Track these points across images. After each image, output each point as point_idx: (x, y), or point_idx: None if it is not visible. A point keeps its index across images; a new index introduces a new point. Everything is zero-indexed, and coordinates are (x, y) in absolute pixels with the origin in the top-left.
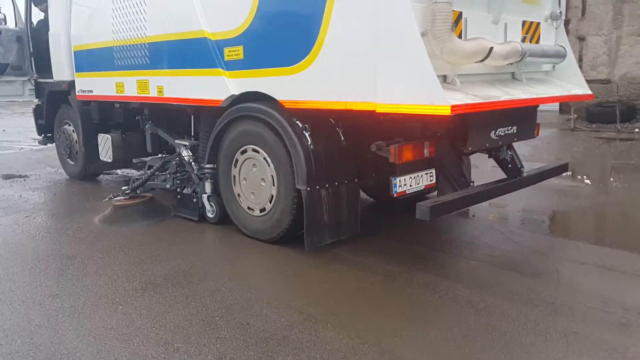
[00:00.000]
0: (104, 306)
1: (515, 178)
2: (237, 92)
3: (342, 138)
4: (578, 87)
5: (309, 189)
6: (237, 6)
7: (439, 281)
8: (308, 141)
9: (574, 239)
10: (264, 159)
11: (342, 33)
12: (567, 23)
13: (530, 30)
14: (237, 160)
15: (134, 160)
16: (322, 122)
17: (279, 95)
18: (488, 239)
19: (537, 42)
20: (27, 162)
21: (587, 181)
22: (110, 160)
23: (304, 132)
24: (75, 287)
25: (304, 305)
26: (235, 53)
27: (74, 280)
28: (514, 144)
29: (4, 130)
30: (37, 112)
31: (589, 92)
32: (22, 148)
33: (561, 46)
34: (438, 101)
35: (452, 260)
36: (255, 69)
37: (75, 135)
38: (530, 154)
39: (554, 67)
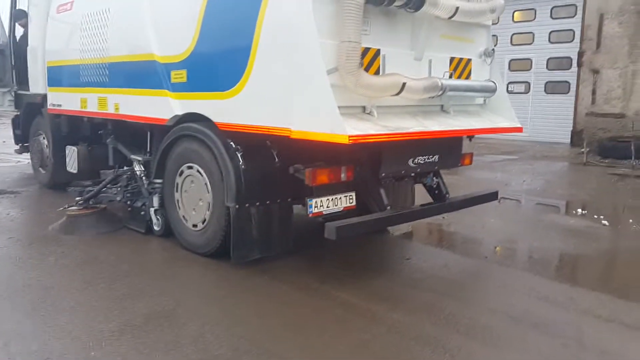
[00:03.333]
0: (75, 351)
1: (438, 203)
2: (180, 113)
3: (277, 159)
4: (507, 120)
5: (237, 206)
6: (182, 33)
7: (450, 336)
8: (239, 161)
9: (596, 290)
10: (201, 175)
11: (265, 65)
12: (581, 55)
13: (460, 66)
14: (177, 184)
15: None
16: (257, 143)
17: (215, 117)
18: (499, 284)
19: (468, 77)
20: (21, 177)
21: (605, 222)
22: (75, 171)
23: (237, 152)
24: (47, 325)
25: None
26: (180, 76)
27: (47, 317)
28: (442, 172)
29: (4, 142)
30: (15, 123)
31: (518, 125)
32: (19, 161)
33: (491, 81)
34: (338, 130)
35: (462, 309)
36: (196, 91)
37: (46, 145)
38: (542, 188)
39: (484, 100)
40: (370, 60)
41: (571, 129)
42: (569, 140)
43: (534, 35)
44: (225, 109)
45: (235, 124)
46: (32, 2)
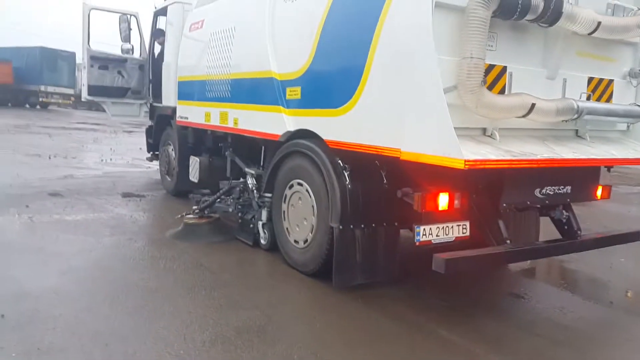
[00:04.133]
0: (168, 358)
1: (567, 240)
2: (292, 129)
3: (385, 181)
4: None
5: (341, 227)
6: (299, 51)
7: None
8: (346, 180)
9: None
10: (308, 193)
11: (378, 82)
12: None
13: (600, 88)
14: (286, 196)
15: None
16: (366, 163)
17: (325, 135)
18: (626, 336)
19: (609, 99)
20: (148, 182)
21: None
22: (196, 181)
23: (344, 171)
24: (146, 328)
25: None
26: (294, 93)
27: (148, 320)
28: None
29: (140, 149)
30: (149, 132)
31: None
32: (149, 167)
33: (638, 105)
34: (453, 154)
35: None
36: (308, 108)
37: (173, 155)
38: None
39: (628, 127)
40: (495, 78)
41: None
42: None
43: None
44: (336, 127)
45: (344, 142)
46: (169, 21)
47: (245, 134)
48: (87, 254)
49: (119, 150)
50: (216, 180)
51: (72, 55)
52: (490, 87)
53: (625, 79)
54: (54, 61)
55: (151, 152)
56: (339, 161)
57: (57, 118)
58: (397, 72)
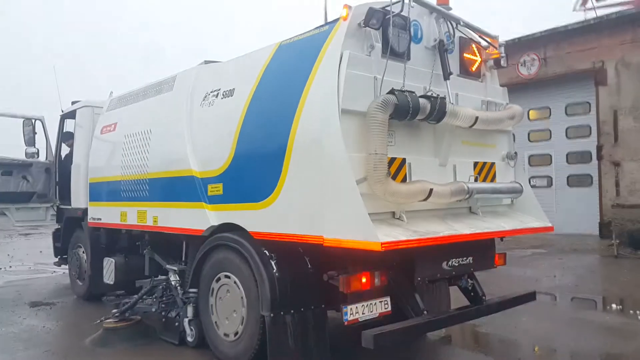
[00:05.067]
0: None
1: (475, 306)
2: (216, 223)
3: (310, 266)
4: (537, 219)
5: (272, 315)
6: (219, 149)
7: None
8: (273, 269)
9: None
10: (236, 284)
11: (296, 179)
12: (600, 149)
13: (484, 170)
14: (213, 289)
15: (137, 283)
16: (290, 251)
17: (249, 227)
18: None
19: (493, 179)
20: (56, 287)
21: None
22: (112, 283)
23: (271, 260)
24: None
25: None
26: (216, 189)
27: None
28: (476, 273)
29: (40, 252)
30: (56, 236)
31: (548, 224)
32: (54, 272)
33: (517, 183)
34: (370, 238)
35: None
36: (231, 203)
37: (85, 258)
38: (574, 284)
39: (512, 201)
40: (397, 169)
41: (598, 220)
42: (597, 232)
43: (550, 131)
44: (260, 219)
45: (269, 232)
46: (78, 124)
47: (166, 231)
48: None
49: (18, 256)
50: (133, 280)
51: None
52: (394, 177)
53: (504, 161)
54: None
55: (59, 257)
56: (265, 251)
57: None
58: (314, 169)
